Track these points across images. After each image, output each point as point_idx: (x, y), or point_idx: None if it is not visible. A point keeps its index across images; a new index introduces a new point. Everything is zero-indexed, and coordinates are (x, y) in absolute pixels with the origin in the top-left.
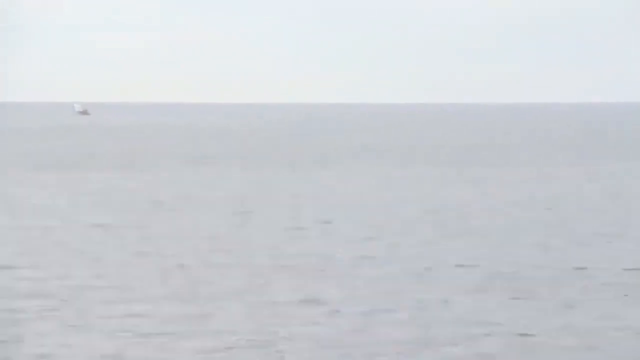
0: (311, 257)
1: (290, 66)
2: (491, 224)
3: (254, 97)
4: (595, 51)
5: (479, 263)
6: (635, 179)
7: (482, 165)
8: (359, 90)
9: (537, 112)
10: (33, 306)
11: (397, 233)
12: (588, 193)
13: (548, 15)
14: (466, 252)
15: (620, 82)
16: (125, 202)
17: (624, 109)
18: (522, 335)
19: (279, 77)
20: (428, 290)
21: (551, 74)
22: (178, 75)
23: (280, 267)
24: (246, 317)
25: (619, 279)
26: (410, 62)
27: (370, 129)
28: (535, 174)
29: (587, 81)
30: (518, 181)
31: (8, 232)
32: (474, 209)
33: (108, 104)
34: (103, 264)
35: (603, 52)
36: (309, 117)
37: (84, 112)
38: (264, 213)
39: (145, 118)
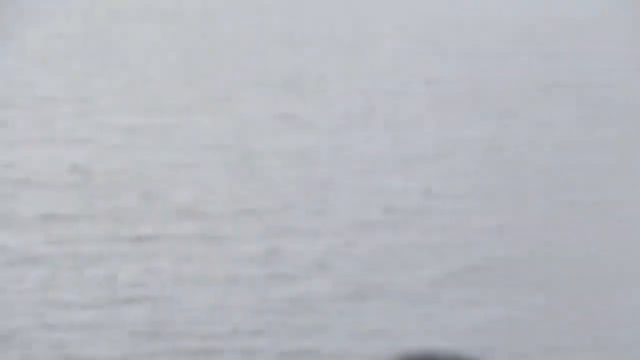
0: (280, 72)
1: None
2: (460, 41)
3: None
4: None
5: (450, 79)
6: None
7: None
8: None
9: None
10: None
11: (366, 48)
12: (551, 15)
13: None
14: (436, 68)
15: None
16: (84, 10)
17: None
18: (495, 150)
19: None
20: (399, 106)
21: None
22: None
23: (249, 82)
24: (216, 131)
25: (589, 94)
26: None
27: None
28: None
29: None
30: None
31: None
32: (443, 27)
33: None
34: (67, 75)
35: None
36: None
37: None
38: (230, 27)
39: None
